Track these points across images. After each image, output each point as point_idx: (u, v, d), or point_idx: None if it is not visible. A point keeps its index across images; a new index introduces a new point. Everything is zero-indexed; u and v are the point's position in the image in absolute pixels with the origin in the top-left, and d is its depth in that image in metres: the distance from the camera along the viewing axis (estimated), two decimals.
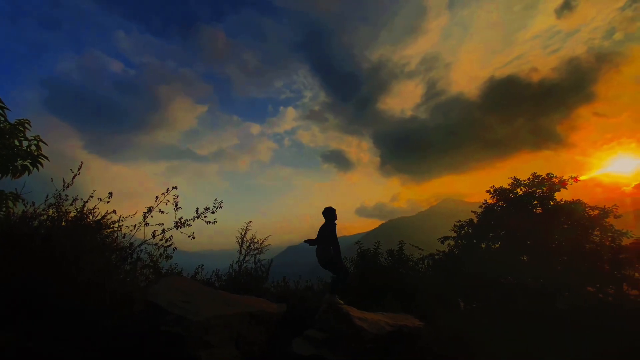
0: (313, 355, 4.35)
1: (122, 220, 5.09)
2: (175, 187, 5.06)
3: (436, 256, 11.33)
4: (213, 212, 5.29)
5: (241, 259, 7.06)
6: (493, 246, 10.71)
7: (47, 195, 4.82)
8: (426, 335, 5.78)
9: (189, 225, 5.14)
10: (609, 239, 9.39)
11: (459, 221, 11.64)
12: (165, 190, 5.04)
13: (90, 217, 5.02)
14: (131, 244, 4.96)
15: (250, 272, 6.98)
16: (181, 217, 5.09)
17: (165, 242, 5.09)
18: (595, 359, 6.82)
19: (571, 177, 10.30)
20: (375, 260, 10.99)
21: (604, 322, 7.80)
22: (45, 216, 4.80)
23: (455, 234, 11.49)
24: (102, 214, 5.07)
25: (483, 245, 10.80)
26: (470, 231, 11.17)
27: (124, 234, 5.04)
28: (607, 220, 9.60)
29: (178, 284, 4.54)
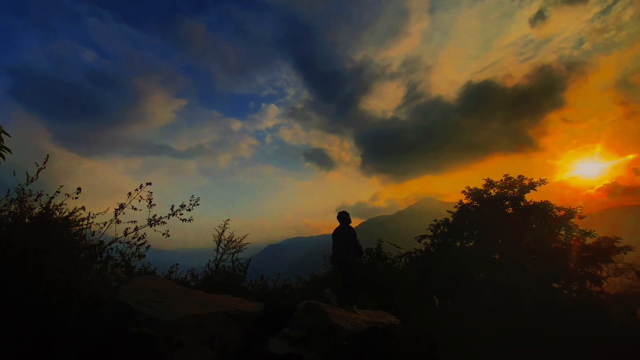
0: (289, 353, 4.34)
1: (92, 217, 4.85)
2: (149, 184, 4.86)
3: (413, 254, 11.60)
4: (189, 210, 5.12)
5: (218, 257, 6.93)
6: (467, 245, 11.08)
7: (9, 190, 4.53)
8: (401, 331, 5.90)
9: (164, 223, 4.95)
10: (574, 238, 9.93)
11: (435, 220, 11.96)
12: (138, 187, 4.84)
13: (57, 213, 4.75)
14: (101, 242, 4.72)
15: (228, 271, 6.86)
16: (155, 215, 4.89)
17: (138, 240, 4.88)
18: (557, 350, 7.20)
19: (540, 180, 10.81)
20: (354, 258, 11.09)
21: (568, 316, 8.26)
22: (6, 212, 4.51)
23: (431, 233, 11.80)
24: (70, 211, 4.81)
25: (458, 244, 11.16)
26: (446, 230, 11.51)
27: (93, 231, 4.80)
28: (572, 220, 10.15)
29: (151, 283, 4.41)
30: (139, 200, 4.86)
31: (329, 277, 9.37)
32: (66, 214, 4.77)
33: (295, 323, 4.99)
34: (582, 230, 9.94)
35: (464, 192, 11.83)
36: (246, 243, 7.24)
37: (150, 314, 3.34)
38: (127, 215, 4.91)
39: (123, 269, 5.20)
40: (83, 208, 4.73)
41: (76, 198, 4.64)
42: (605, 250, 9.46)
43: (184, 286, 5.44)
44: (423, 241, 11.81)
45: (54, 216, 4.71)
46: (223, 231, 7.11)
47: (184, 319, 3.42)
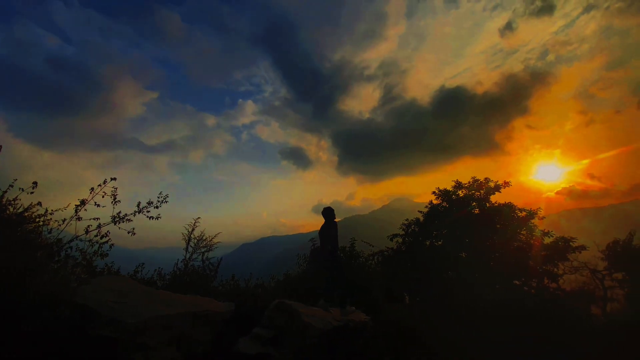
0: (259, 353, 4.30)
1: (50, 214, 4.54)
2: (114, 179, 4.63)
3: (385, 253, 11.86)
4: (157, 207, 4.93)
5: (187, 257, 6.72)
6: (436, 243, 11.49)
7: None
8: (372, 328, 6.00)
9: (129, 220, 4.73)
10: (534, 238, 10.57)
11: (407, 220, 12.28)
12: (102, 182, 4.59)
13: (11, 209, 4.41)
14: (59, 239, 4.42)
15: (197, 271, 6.67)
16: (119, 212, 4.66)
17: (101, 238, 4.63)
18: (524, 346, 7.63)
19: (505, 182, 11.42)
20: None
21: (527, 311, 8.77)
22: None
23: (403, 232, 12.12)
24: (25, 206, 4.48)
25: (427, 243, 11.53)
26: (417, 229, 11.86)
27: (51, 228, 4.50)
28: (533, 221, 10.80)
29: (113, 283, 4.21)
30: (103, 197, 4.62)
31: (302, 276, 9.36)
32: (20, 209, 4.45)
33: (266, 322, 4.95)
34: (542, 230, 10.62)
35: (434, 192, 12.24)
36: (217, 242, 7.07)
37: (112, 316, 3.18)
38: (90, 212, 4.65)
39: (84, 269, 4.93)
40: (39, 204, 4.43)
41: (32, 193, 4.35)
42: (562, 249, 10.16)
43: (150, 286, 5.23)
44: (395, 240, 12.11)
45: (7, 212, 4.38)
46: (193, 229, 6.90)
47: (149, 321, 3.29)
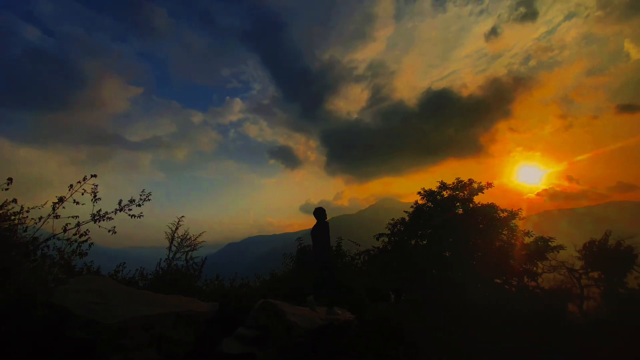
0: (242, 353, 4.26)
1: (26, 212, 4.39)
2: (94, 176, 4.51)
3: (371, 252, 11.96)
4: (139, 205, 4.83)
5: (171, 256, 6.60)
6: (421, 243, 11.66)
7: None
8: (356, 327, 6.03)
9: (110, 219, 4.62)
10: (515, 237, 10.86)
11: (392, 219, 12.41)
12: (82, 179, 4.46)
13: None
14: (35, 238, 4.28)
15: (181, 271, 6.56)
16: (100, 210, 4.55)
17: (80, 237, 4.50)
18: (498, 338, 7.81)
19: (488, 183, 11.69)
20: None
21: (509, 309, 9.00)
22: None
23: (389, 232, 12.25)
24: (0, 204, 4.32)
25: (413, 242, 11.68)
26: (402, 229, 12.00)
27: (26, 226, 4.35)
28: (514, 221, 11.08)
29: (93, 283, 4.10)
30: (82, 194, 4.50)
31: (288, 275, 9.34)
32: None
33: (251, 322, 4.91)
34: (522, 231, 10.93)
35: (419, 193, 12.43)
36: (202, 241, 6.98)
37: (90, 317, 3.09)
38: (69, 210, 4.52)
39: (62, 268, 4.78)
40: (14, 201, 4.28)
41: (6, 189, 4.19)
42: (541, 249, 10.47)
43: (131, 286, 5.12)
44: (381, 239, 12.23)
45: None
46: (177, 228, 6.79)
47: (129, 321, 3.22)
